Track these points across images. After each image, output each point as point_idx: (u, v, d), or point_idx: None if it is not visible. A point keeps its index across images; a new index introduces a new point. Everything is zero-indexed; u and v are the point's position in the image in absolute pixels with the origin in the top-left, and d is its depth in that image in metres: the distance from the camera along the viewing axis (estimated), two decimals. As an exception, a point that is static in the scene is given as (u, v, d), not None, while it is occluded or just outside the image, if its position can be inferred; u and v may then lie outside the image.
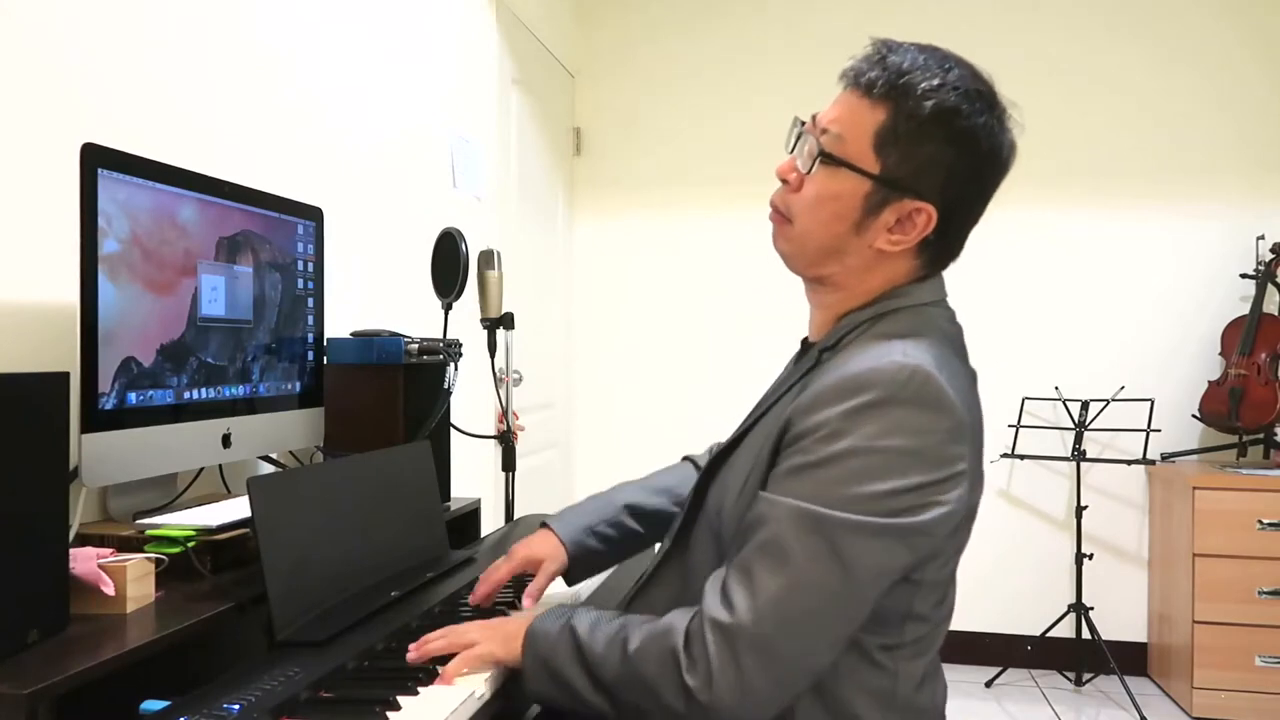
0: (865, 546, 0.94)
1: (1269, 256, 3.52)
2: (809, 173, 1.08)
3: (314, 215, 1.74)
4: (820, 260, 1.10)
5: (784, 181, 1.11)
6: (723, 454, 1.13)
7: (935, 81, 1.02)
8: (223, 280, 1.48)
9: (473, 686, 1.08)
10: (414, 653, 1.12)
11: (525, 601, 1.29)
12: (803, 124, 1.11)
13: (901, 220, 1.05)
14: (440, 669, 1.10)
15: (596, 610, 1.10)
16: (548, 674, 1.06)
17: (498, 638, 1.11)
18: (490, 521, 2.14)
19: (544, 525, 1.37)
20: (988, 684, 3.54)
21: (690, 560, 1.13)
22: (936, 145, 1.03)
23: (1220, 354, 3.58)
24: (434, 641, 1.12)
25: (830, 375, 1.00)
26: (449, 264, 1.87)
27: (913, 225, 1.05)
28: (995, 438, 3.65)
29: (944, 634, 1.11)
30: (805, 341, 1.21)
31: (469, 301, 1.99)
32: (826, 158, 1.06)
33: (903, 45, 1.07)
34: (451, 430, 2.00)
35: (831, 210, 1.07)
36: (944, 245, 1.10)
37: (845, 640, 0.99)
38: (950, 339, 1.08)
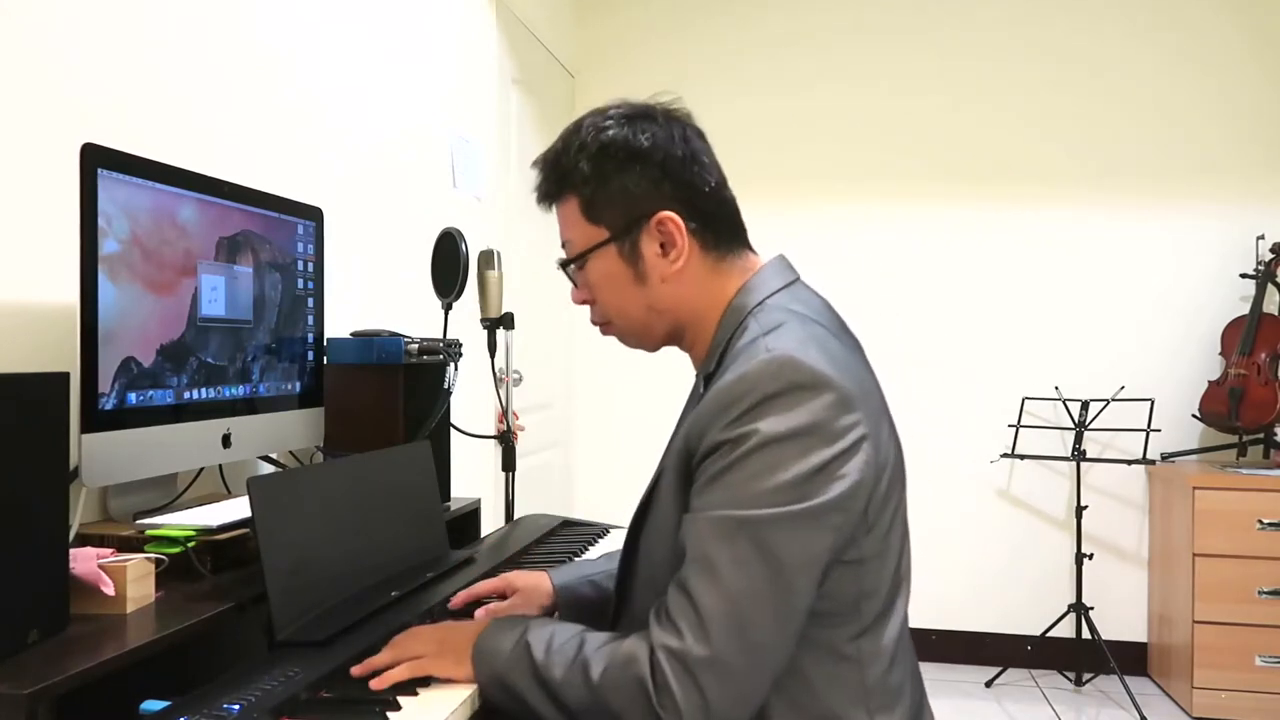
0: (786, 537, 0.97)
1: (1269, 256, 3.52)
2: (578, 283, 1.19)
3: (314, 215, 1.74)
4: (652, 327, 1.18)
5: (585, 304, 1.21)
6: (645, 501, 1.14)
7: (576, 144, 1.14)
8: (223, 280, 1.48)
9: (464, 694, 1.07)
10: (360, 669, 1.09)
11: (478, 613, 1.28)
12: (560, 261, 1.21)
13: (662, 242, 1.13)
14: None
15: (546, 622, 1.11)
16: (503, 692, 1.06)
17: (447, 655, 1.10)
18: (490, 521, 2.14)
19: (544, 569, 1.39)
20: (988, 684, 3.54)
21: (633, 612, 1.14)
22: (618, 177, 1.12)
23: (1220, 354, 3.58)
24: (380, 657, 1.10)
25: (710, 393, 1.04)
26: (449, 264, 1.87)
27: (671, 235, 1.12)
28: (995, 438, 3.65)
29: (905, 602, 1.12)
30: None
31: (469, 301, 1.99)
32: (573, 262, 1.18)
33: (548, 148, 1.19)
34: (451, 430, 2.00)
35: (614, 287, 1.16)
36: (711, 225, 1.14)
37: (796, 634, 1.00)
38: (808, 317, 1.10)
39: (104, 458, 1.24)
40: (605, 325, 1.21)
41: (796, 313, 1.10)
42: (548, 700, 1.03)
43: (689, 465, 1.05)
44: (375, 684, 1.06)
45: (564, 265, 1.19)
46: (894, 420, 1.13)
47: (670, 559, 1.05)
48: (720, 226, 1.16)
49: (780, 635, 0.98)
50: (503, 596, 1.34)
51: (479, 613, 1.29)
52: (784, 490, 0.97)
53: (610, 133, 1.13)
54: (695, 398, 1.15)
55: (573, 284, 1.21)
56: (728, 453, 0.99)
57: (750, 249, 1.19)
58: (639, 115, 1.15)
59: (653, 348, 1.23)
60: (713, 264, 1.15)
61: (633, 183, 1.12)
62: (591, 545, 1.82)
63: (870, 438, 1.02)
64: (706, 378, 1.11)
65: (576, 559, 1.70)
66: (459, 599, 1.33)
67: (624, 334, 1.21)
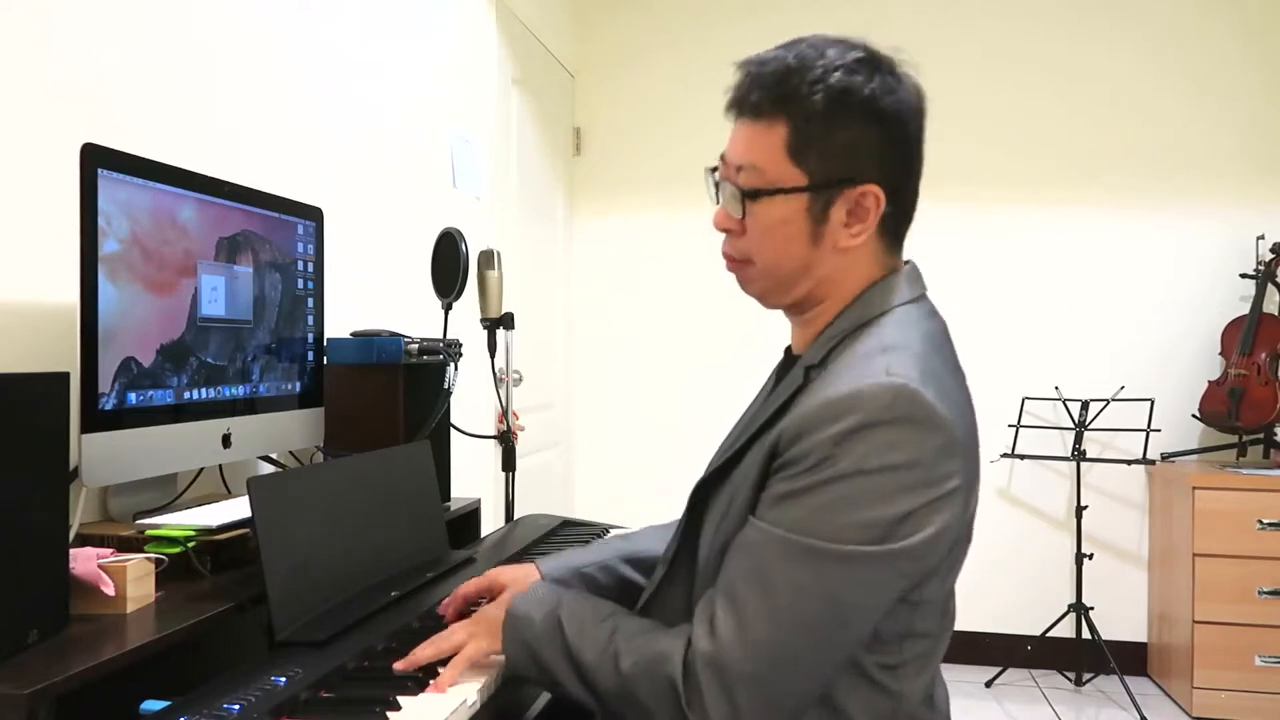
0: (854, 577, 0.92)
1: (1269, 256, 3.52)
2: (743, 216, 1.06)
3: (314, 215, 1.74)
4: (793, 285, 1.07)
5: (726, 231, 1.09)
6: (718, 474, 1.08)
7: (816, 73, 1.01)
8: (223, 280, 1.48)
9: (467, 693, 1.07)
10: (402, 663, 1.10)
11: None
12: (714, 170, 1.10)
13: (853, 210, 1.03)
14: (436, 675, 1.09)
15: (580, 599, 1.09)
16: (533, 662, 1.06)
17: (482, 630, 1.11)
18: (490, 521, 2.14)
19: (532, 560, 1.33)
20: (988, 684, 3.54)
21: (698, 587, 1.08)
22: (846, 129, 1.01)
23: (1220, 354, 3.58)
24: (422, 651, 1.11)
25: (815, 397, 0.97)
26: (449, 264, 1.87)
27: (865, 210, 1.03)
28: (995, 438, 3.65)
29: (946, 645, 1.09)
30: (789, 351, 1.18)
31: (469, 301, 1.99)
32: (752, 195, 1.04)
33: (768, 55, 1.05)
34: (451, 430, 2.00)
35: (784, 236, 1.04)
36: (900, 214, 1.07)
37: (840, 665, 0.97)
38: (933, 340, 1.05)
39: (104, 458, 1.24)
40: (741, 264, 1.09)
41: (923, 334, 1.04)
42: (578, 680, 1.02)
43: (771, 459, 0.99)
44: (401, 666, 1.09)
45: (744, 194, 1.04)
46: (979, 468, 1.06)
47: (725, 538, 1.02)
48: (905, 218, 1.08)
49: (822, 665, 0.95)
50: (493, 596, 1.29)
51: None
52: (866, 528, 0.92)
53: (857, 79, 1.01)
54: (789, 388, 1.05)
55: (720, 203, 1.09)
56: (816, 470, 0.93)
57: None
58: (886, 71, 1.04)
59: (774, 304, 1.12)
60: (878, 250, 1.07)
61: (859, 143, 1.01)
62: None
63: (963, 489, 0.97)
64: (807, 368, 1.04)
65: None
66: (448, 607, 1.28)
67: (757, 280, 1.09)
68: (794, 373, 1.07)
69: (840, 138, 1.01)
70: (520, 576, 1.28)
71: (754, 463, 1.02)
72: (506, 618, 1.08)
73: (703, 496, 1.09)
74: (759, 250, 1.06)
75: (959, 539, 1.02)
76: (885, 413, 0.93)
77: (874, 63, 1.04)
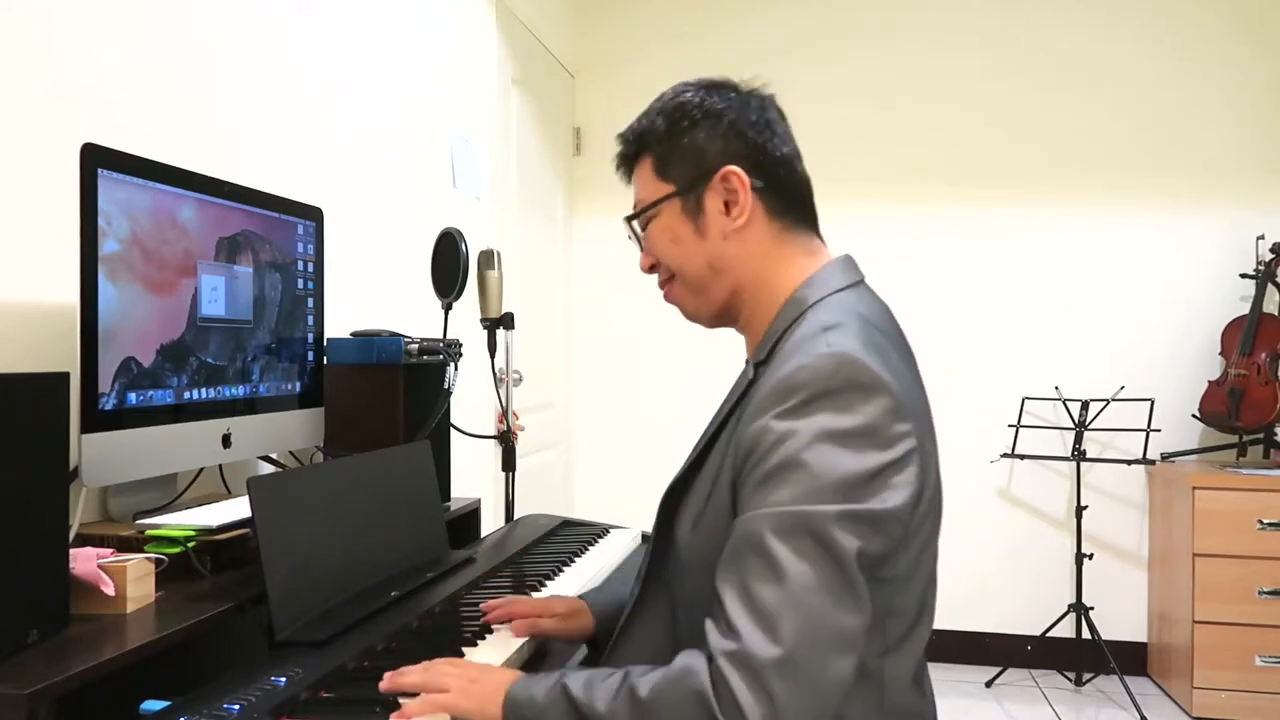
0: (848, 532, 0.93)
1: (1269, 256, 3.53)
2: (645, 246, 1.20)
3: (314, 215, 1.74)
4: (710, 285, 1.16)
5: (653, 269, 1.21)
6: (681, 481, 1.11)
7: (656, 107, 1.18)
8: (223, 280, 1.48)
9: None
10: (387, 683, 1.04)
11: (512, 628, 1.26)
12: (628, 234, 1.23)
13: (726, 199, 1.13)
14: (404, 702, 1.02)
15: (584, 669, 1.04)
16: None
17: (474, 696, 1.04)
18: (490, 521, 2.14)
19: (582, 597, 1.35)
20: (988, 684, 3.54)
21: (676, 594, 1.11)
22: (690, 134, 1.14)
23: (1220, 354, 3.58)
24: (409, 677, 1.05)
25: (765, 383, 1.01)
26: (449, 264, 1.87)
27: (735, 191, 1.12)
28: (995, 438, 3.65)
29: (928, 628, 1.09)
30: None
31: (469, 301, 1.99)
32: (640, 218, 1.19)
33: (629, 124, 1.22)
34: (451, 430, 2.00)
35: (672, 238, 1.16)
36: (778, 188, 1.14)
37: (860, 640, 0.94)
38: (871, 319, 1.08)
39: (104, 458, 1.25)
40: (667, 283, 1.20)
41: (860, 314, 1.07)
42: None
43: (736, 458, 1.01)
44: (386, 686, 1.03)
45: (628, 220, 1.20)
46: (937, 444, 1.09)
47: (697, 544, 1.04)
48: (787, 194, 1.15)
49: (845, 635, 0.92)
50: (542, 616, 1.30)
51: (513, 627, 1.26)
52: (843, 489, 0.93)
53: (687, 95, 1.16)
54: (741, 386, 1.11)
55: (639, 247, 1.21)
56: (779, 446, 0.96)
57: (819, 235, 1.18)
58: (719, 84, 1.18)
59: (710, 314, 1.20)
60: (777, 232, 1.14)
61: (703, 139, 1.13)
62: (591, 545, 1.82)
63: (918, 451, 0.99)
64: (756, 365, 1.09)
65: (576, 559, 1.70)
66: (493, 616, 1.29)
67: (683, 295, 1.19)
68: (744, 370, 1.15)
69: (686, 143, 1.14)
70: (572, 609, 1.32)
71: (721, 463, 1.06)
72: (506, 701, 1.02)
73: (673, 501, 1.12)
74: (670, 262, 1.17)
75: (922, 511, 1.02)
76: (830, 382, 0.97)
77: (706, 83, 1.18)
